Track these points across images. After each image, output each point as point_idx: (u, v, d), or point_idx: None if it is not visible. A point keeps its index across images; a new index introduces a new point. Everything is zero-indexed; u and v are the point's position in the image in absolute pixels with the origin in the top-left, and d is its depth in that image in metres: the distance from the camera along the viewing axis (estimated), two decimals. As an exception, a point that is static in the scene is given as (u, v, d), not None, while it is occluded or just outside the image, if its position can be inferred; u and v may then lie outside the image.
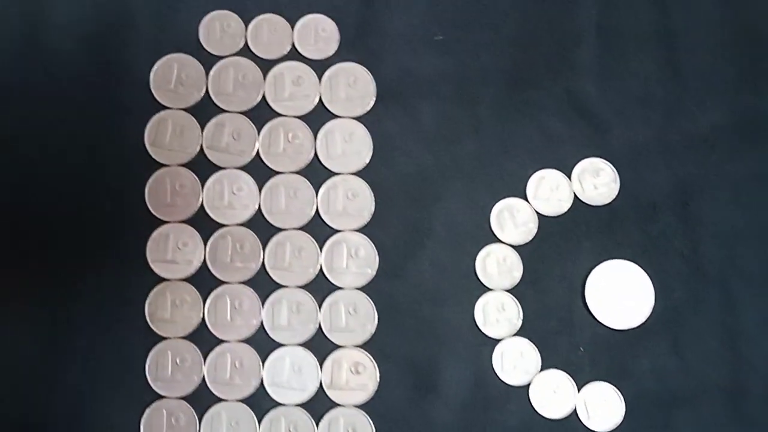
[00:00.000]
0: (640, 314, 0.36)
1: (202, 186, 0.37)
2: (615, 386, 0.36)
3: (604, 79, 0.38)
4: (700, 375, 0.36)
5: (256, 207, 0.37)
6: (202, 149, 0.38)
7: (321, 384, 0.36)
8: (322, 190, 0.37)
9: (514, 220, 0.37)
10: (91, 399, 0.36)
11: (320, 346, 0.37)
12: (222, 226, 0.37)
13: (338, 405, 0.36)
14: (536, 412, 0.36)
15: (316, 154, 0.38)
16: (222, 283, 0.37)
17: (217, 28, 0.39)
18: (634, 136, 0.38)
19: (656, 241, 0.37)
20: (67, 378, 0.36)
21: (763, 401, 0.36)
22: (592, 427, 0.36)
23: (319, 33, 0.39)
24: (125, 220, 0.37)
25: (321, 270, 0.37)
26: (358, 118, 0.38)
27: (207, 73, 0.38)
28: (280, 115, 0.38)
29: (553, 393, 0.36)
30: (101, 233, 0.37)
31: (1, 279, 0.37)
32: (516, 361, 0.36)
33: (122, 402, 0.36)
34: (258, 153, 0.38)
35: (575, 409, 0.36)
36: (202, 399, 0.36)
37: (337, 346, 0.37)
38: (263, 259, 0.37)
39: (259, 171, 0.38)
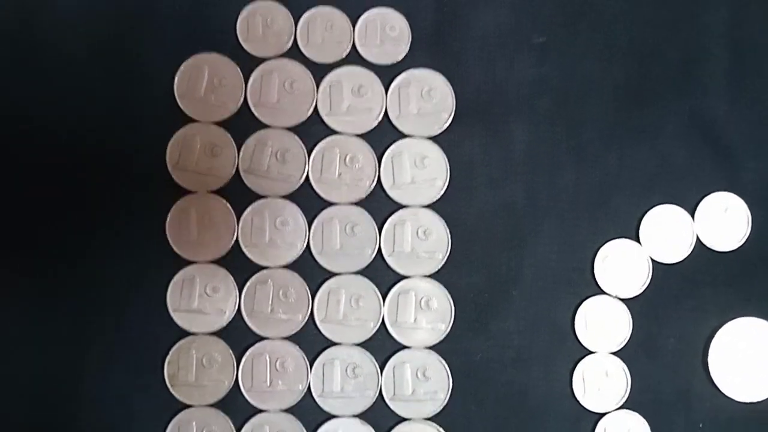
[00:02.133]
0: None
1: (238, 219, 0.30)
2: None
3: (735, 99, 0.31)
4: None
5: (304, 245, 0.30)
6: (238, 172, 0.31)
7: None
8: (386, 226, 0.31)
9: (622, 267, 0.31)
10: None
11: (381, 417, 0.30)
12: (262, 268, 0.30)
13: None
14: (644, 505, 0.30)
15: (379, 181, 0.31)
16: (260, 338, 0.30)
17: (259, 24, 0.32)
18: (768, 169, 0.32)
19: None
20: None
21: None
22: None
23: (386, 32, 0.31)
24: (142, 258, 0.30)
25: (383, 324, 0.30)
26: (433, 138, 0.31)
27: (246, 79, 0.31)
28: (335, 132, 0.31)
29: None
30: (113, 275, 0.30)
31: None
32: None
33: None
34: (307, 178, 0.31)
35: (692, 501, 0.30)
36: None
37: (402, 419, 0.30)
38: (312, 309, 0.30)
39: (309, 201, 0.31)
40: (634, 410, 0.30)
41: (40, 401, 0.30)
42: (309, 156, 0.31)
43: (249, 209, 0.31)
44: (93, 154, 0.31)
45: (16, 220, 0.30)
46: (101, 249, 0.30)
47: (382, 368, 0.30)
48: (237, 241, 0.31)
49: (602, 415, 0.30)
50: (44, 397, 0.30)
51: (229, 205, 0.31)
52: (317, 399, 0.30)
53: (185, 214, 0.31)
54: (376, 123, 0.31)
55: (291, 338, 0.30)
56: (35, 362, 0.30)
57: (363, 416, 0.30)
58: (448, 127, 0.31)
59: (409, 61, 0.31)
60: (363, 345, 0.30)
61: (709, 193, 0.31)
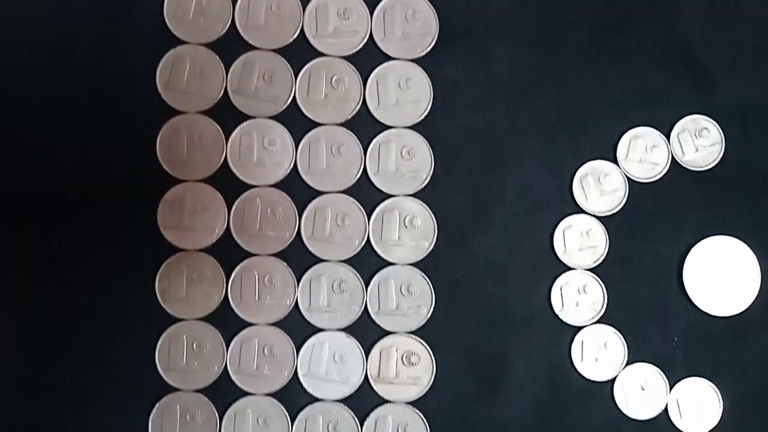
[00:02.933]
0: (744, 300, 0.31)
1: (226, 138, 0.31)
2: (713, 384, 0.31)
3: (711, 22, 0.32)
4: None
5: (291, 165, 0.31)
6: (226, 93, 0.31)
7: (367, 376, 0.31)
8: (371, 147, 0.31)
9: (600, 187, 0.31)
10: (93, 394, 0.30)
11: (366, 331, 0.31)
12: (250, 187, 0.31)
13: (387, 401, 0.31)
14: (621, 411, 0.31)
15: (364, 103, 0.31)
16: (249, 255, 0.31)
17: (246, -53, 0.32)
18: (744, 92, 0.32)
19: (766, 216, 0.32)
20: (66, 372, 0.30)
21: None
22: (684, 430, 0.31)
23: (370, -45, 0.33)
24: (132, 177, 0.31)
25: (368, 241, 0.31)
26: (417, 61, 0.32)
27: (233, 2, 0.31)
28: (321, 54, 0.32)
29: (641, 390, 0.31)
30: (104, 193, 0.31)
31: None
32: (598, 352, 0.31)
33: (129, 397, 0.30)
34: (294, 100, 0.31)
35: (666, 409, 0.31)
36: (223, 392, 0.30)
37: (387, 332, 0.31)
38: (299, 227, 0.31)
39: (296, 122, 0.31)
40: (610, 324, 0.31)
41: (33, 316, 0.30)
42: (296, 77, 0.32)
43: (237, 129, 0.31)
44: (81, 75, 0.31)
45: None
46: (91, 168, 0.31)
47: (367, 284, 0.31)
48: (226, 160, 0.31)
49: (579, 328, 0.31)
50: (36, 310, 0.31)
51: (217, 125, 0.31)
52: (304, 313, 0.31)
53: (175, 133, 0.31)
54: (361, 45, 0.32)
55: (279, 255, 0.31)
56: (29, 280, 0.31)
57: (349, 330, 0.31)
58: (431, 50, 0.32)
59: (394, -17, 0.32)
60: (348, 261, 0.31)
61: (684, 116, 0.32)
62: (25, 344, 0.30)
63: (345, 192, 0.31)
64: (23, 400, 0.30)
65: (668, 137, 0.32)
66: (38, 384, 0.30)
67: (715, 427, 0.31)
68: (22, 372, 0.30)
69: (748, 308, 0.31)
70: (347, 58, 0.32)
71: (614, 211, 0.31)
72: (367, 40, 0.32)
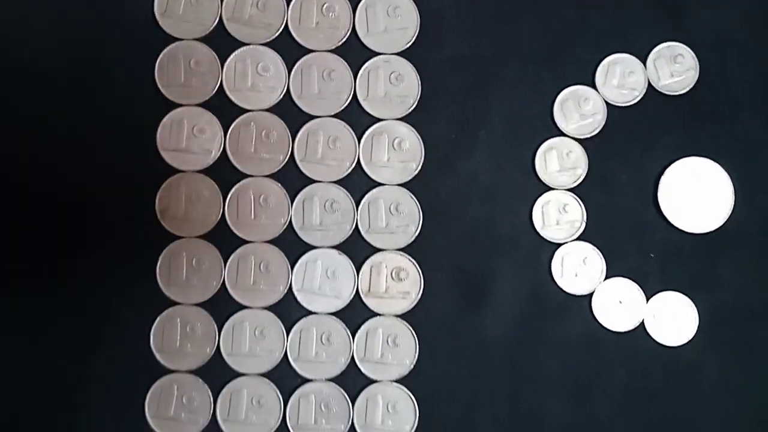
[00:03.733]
0: (717, 218, 0.32)
1: (222, 64, 0.32)
2: (688, 297, 0.33)
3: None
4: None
5: (284, 90, 0.33)
6: (221, 21, 0.33)
7: (358, 291, 0.32)
8: (361, 72, 0.33)
9: (579, 111, 0.33)
10: (95, 307, 0.31)
11: (357, 249, 0.32)
12: (245, 111, 0.32)
13: (377, 314, 0.32)
14: (599, 324, 0.32)
15: (354, 30, 0.33)
16: (245, 176, 0.32)
17: None
18: (719, 19, 0.33)
19: (739, 139, 0.33)
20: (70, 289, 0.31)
21: None
22: (660, 341, 0.32)
23: None
24: (132, 103, 0.32)
25: (358, 163, 0.32)
26: (405, -11, 0.34)
27: (227, -69, 0.34)
28: (313, -17, 0.34)
29: (618, 303, 0.32)
30: (104, 118, 0.32)
31: None
32: (578, 268, 0.32)
33: (131, 310, 0.32)
34: (287, 26, 0.33)
35: (643, 322, 0.32)
36: (221, 306, 0.32)
37: (376, 250, 0.32)
38: (292, 149, 0.32)
39: (288, 48, 0.33)
40: (589, 241, 0.33)
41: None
42: (288, 6, 0.33)
43: (232, 56, 0.33)
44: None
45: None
46: (89, 96, 0.32)
47: (357, 204, 0.32)
48: (221, 86, 0.33)
49: (560, 245, 0.33)
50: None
51: (213, 52, 0.33)
52: (298, 231, 0.32)
53: (173, 60, 0.33)
54: (351, -25, 0.34)
55: (273, 176, 0.33)
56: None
57: (340, 247, 0.32)
58: (419, -21, 0.34)
59: None
60: (340, 182, 0.33)
61: (660, 42, 0.33)
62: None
63: (336, 116, 0.33)
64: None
65: (645, 63, 0.33)
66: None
67: (691, 340, 0.32)
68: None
69: (721, 226, 0.32)
70: (338, -13, 0.34)
71: (593, 134, 0.33)
72: (357, -30, 0.34)
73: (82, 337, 0.32)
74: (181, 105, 0.32)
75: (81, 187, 0.32)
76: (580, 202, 0.33)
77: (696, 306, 0.32)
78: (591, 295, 0.32)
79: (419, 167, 0.32)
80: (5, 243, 0.32)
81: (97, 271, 0.32)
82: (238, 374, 0.32)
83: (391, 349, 0.32)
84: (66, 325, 0.32)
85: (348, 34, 0.33)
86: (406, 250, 0.32)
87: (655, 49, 0.33)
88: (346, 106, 0.33)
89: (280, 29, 0.33)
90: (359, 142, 0.32)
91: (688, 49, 0.33)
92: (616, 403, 0.32)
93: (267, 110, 0.32)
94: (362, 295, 0.32)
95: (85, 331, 0.32)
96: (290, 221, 0.32)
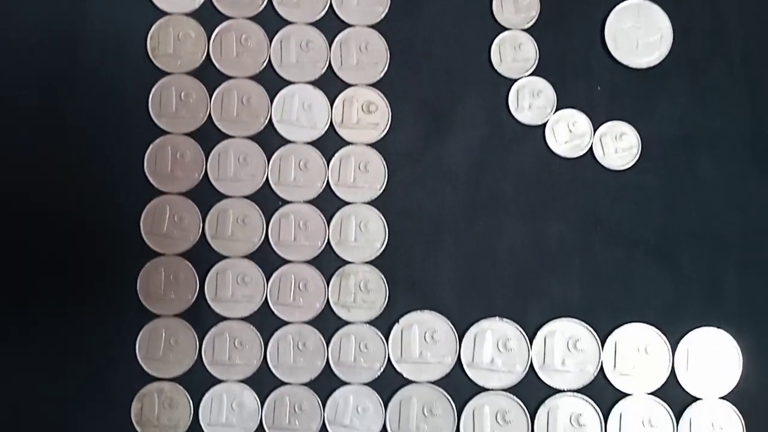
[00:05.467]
0: (658, 53, 0.36)
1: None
2: (632, 125, 0.35)
3: None
4: (721, 117, 0.35)
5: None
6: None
7: (332, 122, 0.35)
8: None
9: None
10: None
11: (331, 84, 0.35)
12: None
13: (349, 143, 0.35)
14: (552, 151, 0.35)
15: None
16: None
17: None
18: None
19: None
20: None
21: None
22: (607, 165, 0.36)
23: None
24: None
25: (330, 6, 0.35)
26: None
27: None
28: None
29: (569, 132, 0.36)
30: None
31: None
32: (532, 101, 0.36)
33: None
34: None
35: (591, 149, 0.36)
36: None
37: (348, 85, 0.36)
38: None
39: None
40: (541, 76, 0.36)
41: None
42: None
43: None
44: None
45: None
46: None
47: (330, 44, 0.35)
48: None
49: (516, 80, 0.35)
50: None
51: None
52: (277, 69, 0.35)
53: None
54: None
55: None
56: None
57: (316, 83, 0.35)
58: None
59: None
60: (315, 24, 0.35)
61: None
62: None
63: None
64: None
65: None
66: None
67: (635, 164, 0.35)
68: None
69: (662, 61, 0.36)
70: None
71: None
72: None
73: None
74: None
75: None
76: (534, 42, 0.36)
77: (639, 133, 0.35)
78: (544, 125, 0.36)
79: (386, 10, 0.35)
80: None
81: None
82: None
83: (362, 174, 0.35)
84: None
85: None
86: (376, 86, 0.36)
87: None
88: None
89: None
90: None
91: None
92: (566, 222, 0.35)
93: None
94: (336, 126, 0.35)
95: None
96: (269, 59, 0.35)
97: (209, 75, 0.35)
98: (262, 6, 0.35)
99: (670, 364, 0.34)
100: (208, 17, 0.36)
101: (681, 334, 0.34)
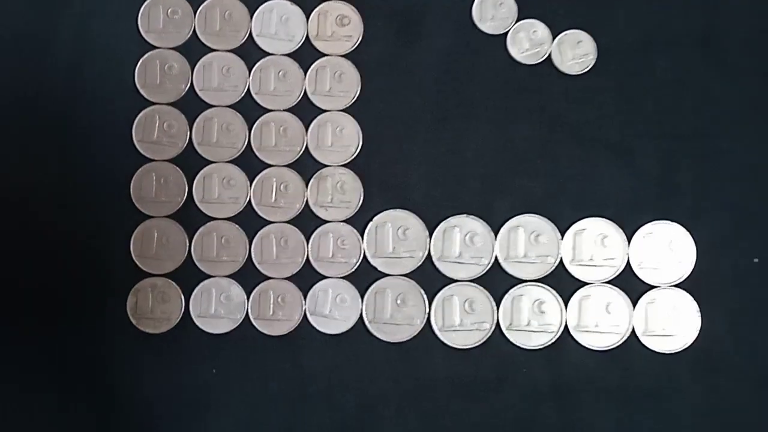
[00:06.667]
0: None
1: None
2: (588, 33, 0.38)
3: None
4: (672, 22, 0.38)
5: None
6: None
7: (307, 36, 0.38)
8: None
9: None
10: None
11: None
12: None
13: (324, 54, 0.38)
14: (513, 59, 0.38)
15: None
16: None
17: None
18: None
19: None
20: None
21: (737, 45, 0.38)
22: (565, 71, 0.38)
23: None
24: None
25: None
26: None
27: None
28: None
29: (529, 40, 0.38)
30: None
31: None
32: (494, 11, 0.38)
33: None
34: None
35: (549, 55, 0.38)
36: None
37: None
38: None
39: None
40: (504, -11, 0.38)
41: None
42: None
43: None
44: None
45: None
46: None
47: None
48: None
49: (479, -8, 0.39)
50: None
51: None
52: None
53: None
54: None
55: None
56: None
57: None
58: None
59: None
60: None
61: None
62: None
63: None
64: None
65: None
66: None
67: (592, 68, 0.37)
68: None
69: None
70: None
71: None
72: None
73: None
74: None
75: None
76: None
77: (595, 40, 0.38)
78: (505, 34, 0.38)
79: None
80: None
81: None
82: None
83: (337, 83, 0.38)
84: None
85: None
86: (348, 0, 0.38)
87: None
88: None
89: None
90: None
91: None
92: (529, 125, 0.37)
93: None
94: (312, 39, 0.38)
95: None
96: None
97: None
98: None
99: (626, 255, 0.37)
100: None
101: (636, 227, 0.37)
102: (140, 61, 0.37)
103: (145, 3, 0.38)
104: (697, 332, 0.36)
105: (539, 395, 0.36)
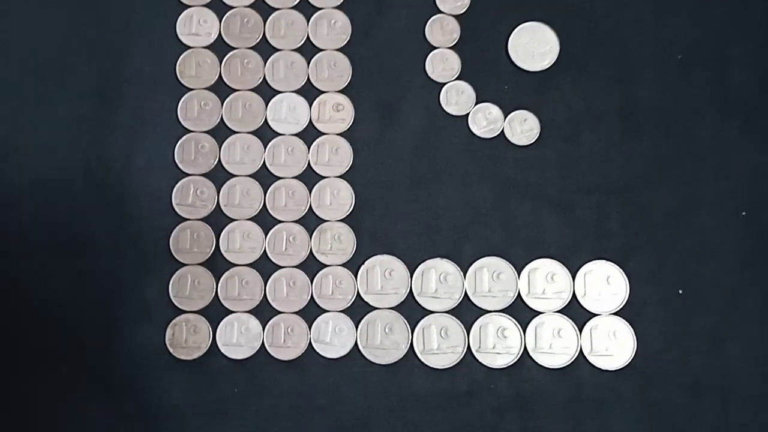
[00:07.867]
0: (548, 60, 0.47)
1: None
2: (533, 113, 0.47)
3: None
4: (598, 102, 0.47)
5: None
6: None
7: (311, 119, 0.47)
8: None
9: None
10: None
11: (309, 91, 0.47)
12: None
13: (324, 133, 0.47)
14: (474, 134, 0.47)
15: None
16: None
17: None
18: None
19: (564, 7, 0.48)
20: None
21: (651, 115, 0.46)
22: (515, 143, 0.46)
23: None
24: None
25: (308, 36, 0.48)
26: None
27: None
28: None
29: (486, 120, 0.47)
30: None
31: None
32: (457, 98, 0.47)
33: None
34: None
35: (503, 131, 0.47)
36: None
37: (322, 92, 0.48)
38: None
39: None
40: (464, 80, 0.48)
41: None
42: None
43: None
44: None
45: None
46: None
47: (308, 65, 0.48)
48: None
49: (444, 84, 0.47)
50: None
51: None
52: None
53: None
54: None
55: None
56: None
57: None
58: None
59: None
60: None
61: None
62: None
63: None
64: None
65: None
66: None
67: (535, 142, 0.46)
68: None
69: (551, 66, 0.47)
70: None
71: (463, 12, 0.49)
72: None
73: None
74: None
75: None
76: (457, 56, 0.47)
77: (538, 117, 0.46)
78: (467, 115, 0.47)
79: (348, 37, 0.48)
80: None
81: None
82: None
83: (334, 156, 0.47)
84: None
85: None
86: (343, 91, 0.48)
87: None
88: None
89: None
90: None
91: None
92: (488, 186, 0.46)
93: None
94: (314, 122, 0.47)
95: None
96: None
97: (221, 89, 0.48)
98: (259, 39, 0.48)
99: (572, 289, 0.45)
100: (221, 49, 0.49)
101: (579, 265, 0.45)
102: (179, 142, 0.47)
103: (183, 98, 0.47)
104: (634, 352, 0.44)
105: (504, 408, 0.43)
